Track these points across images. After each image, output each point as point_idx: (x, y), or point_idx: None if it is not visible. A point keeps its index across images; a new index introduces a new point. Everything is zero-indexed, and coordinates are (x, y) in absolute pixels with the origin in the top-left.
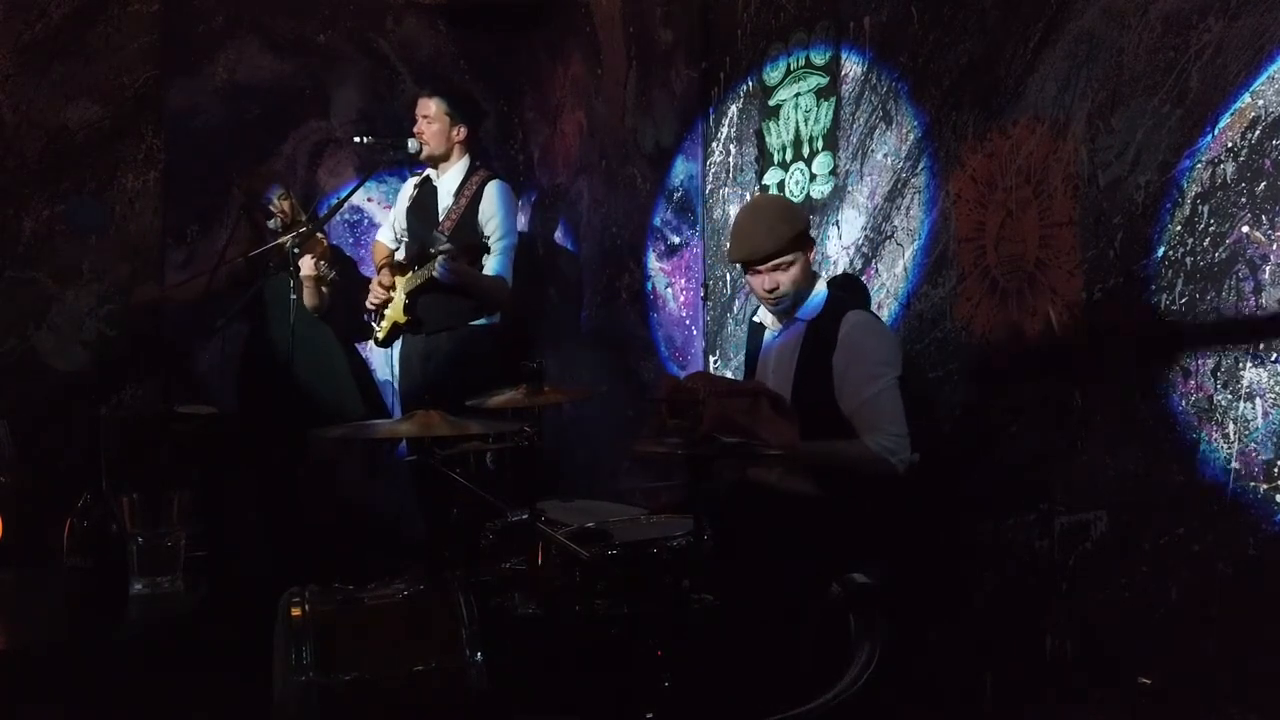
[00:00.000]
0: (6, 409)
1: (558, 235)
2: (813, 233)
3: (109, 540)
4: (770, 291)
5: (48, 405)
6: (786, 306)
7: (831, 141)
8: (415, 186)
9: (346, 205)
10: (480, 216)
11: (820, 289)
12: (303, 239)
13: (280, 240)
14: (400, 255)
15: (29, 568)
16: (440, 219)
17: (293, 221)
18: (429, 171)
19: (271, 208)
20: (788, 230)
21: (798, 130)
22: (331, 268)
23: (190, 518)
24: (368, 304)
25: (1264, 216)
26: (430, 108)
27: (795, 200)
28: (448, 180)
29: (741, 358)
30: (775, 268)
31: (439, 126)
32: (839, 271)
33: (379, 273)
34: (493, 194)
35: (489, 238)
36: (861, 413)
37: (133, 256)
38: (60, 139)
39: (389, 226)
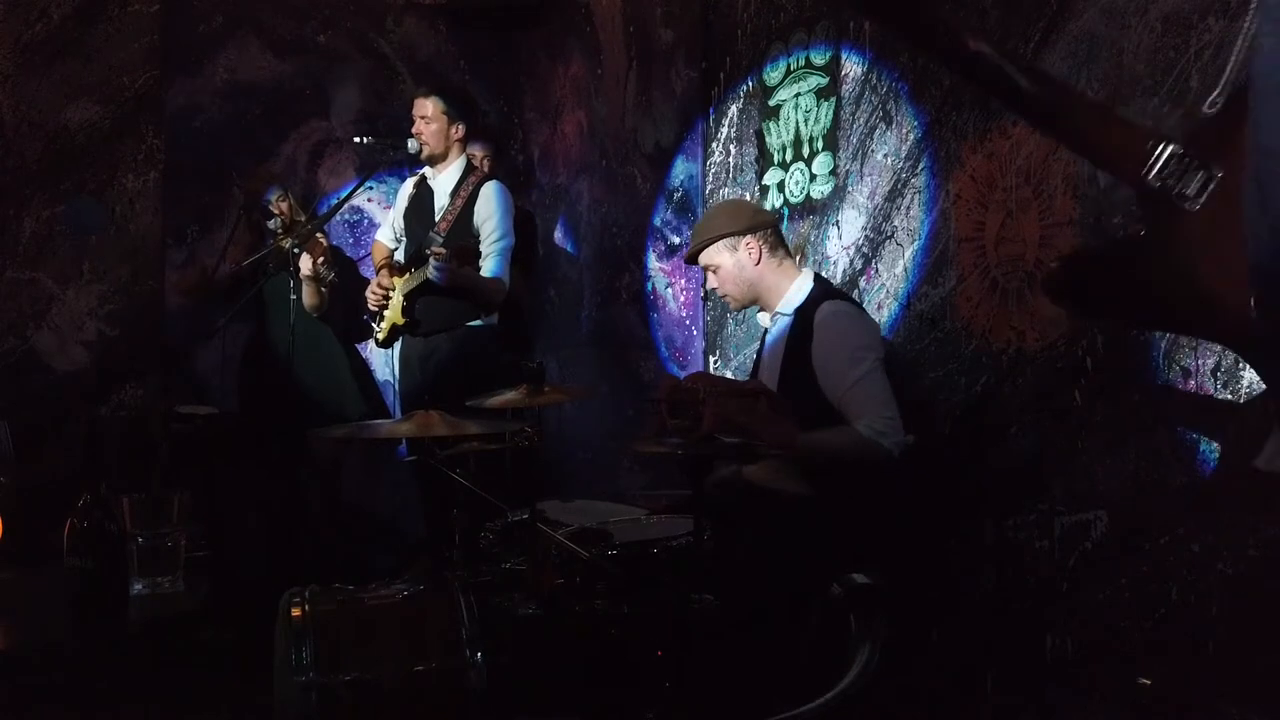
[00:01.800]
0: (6, 409)
1: (558, 235)
2: (812, 233)
3: (109, 540)
4: (713, 291)
5: (48, 405)
6: (736, 307)
7: (831, 141)
8: (413, 186)
9: (346, 205)
10: (476, 217)
11: (806, 284)
12: (303, 239)
13: (280, 241)
14: (399, 256)
15: (29, 568)
16: (436, 219)
17: (292, 222)
18: (425, 171)
19: (271, 208)
20: (707, 232)
21: (798, 130)
22: (332, 269)
23: (190, 518)
24: (368, 306)
25: None
26: (428, 108)
27: (794, 200)
28: (444, 180)
29: (741, 358)
30: (708, 268)
31: (437, 126)
32: (839, 271)
33: (378, 274)
34: (489, 194)
35: (485, 239)
36: (848, 399)
37: (133, 256)
38: (60, 139)
39: (389, 226)
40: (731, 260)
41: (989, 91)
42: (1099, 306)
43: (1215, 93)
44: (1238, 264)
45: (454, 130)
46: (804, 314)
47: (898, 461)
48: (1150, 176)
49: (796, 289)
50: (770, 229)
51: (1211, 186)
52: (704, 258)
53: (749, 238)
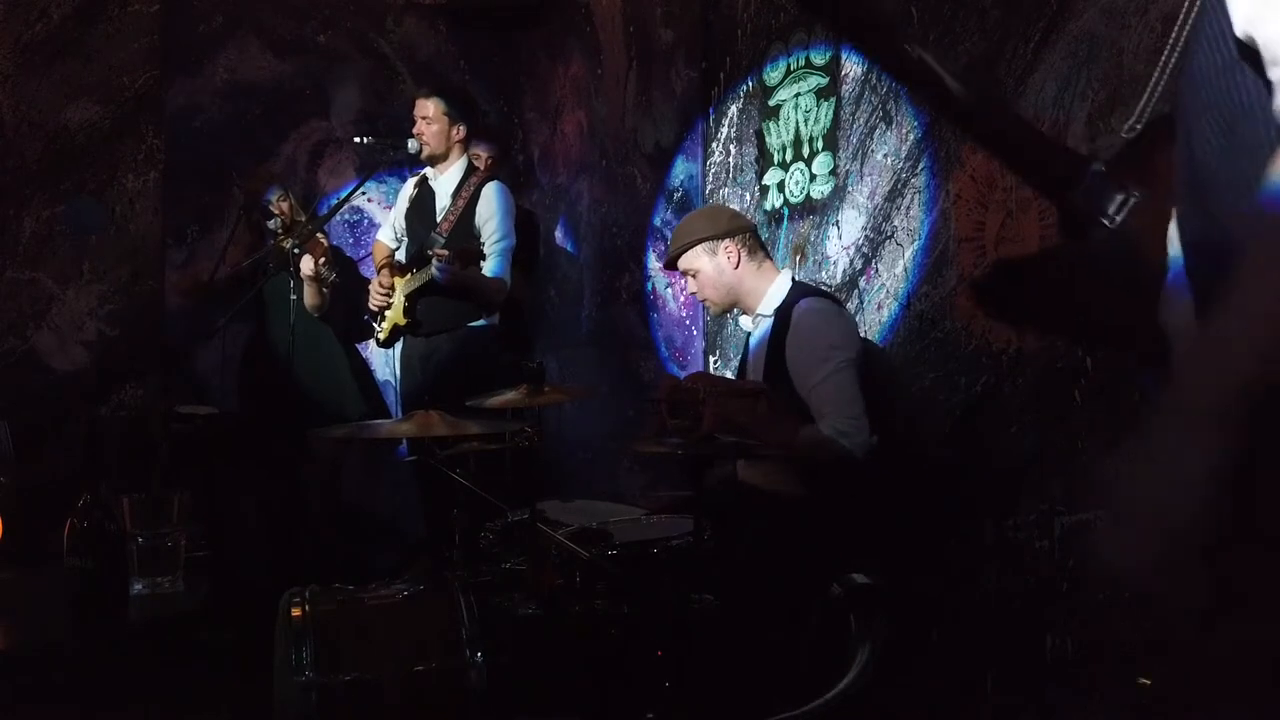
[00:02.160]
0: (6, 409)
1: (558, 235)
2: (812, 233)
3: (109, 540)
4: (693, 295)
5: (48, 405)
6: (716, 312)
7: (831, 141)
8: (415, 186)
9: (346, 205)
10: (478, 218)
11: (784, 284)
12: (303, 239)
13: (281, 241)
14: (400, 255)
15: (29, 568)
16: (438, 220)
17: (292, 222)
18: (427, 172)
19: (271, 208)
20: (685, 236)
21: (798, 130)
22: (333, 269)
23: (190, 518)
24: (370, 306)
25: None
26: (429, 108)
27: (795, 201)
28: (445, 181)
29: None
30: (687, 273)
31: (438, 127)
32: (839, 271)
33: (379, 274)
34: (490, 195)
35: (486, 239)
36: (813, 398)
37: (133, 256)
38: (60, 139)
39: (389, 226)
40: (711, 264)
41: (921, 96)
42: (1019, 315)
43: (1133, 119)
44: (1148, 282)
45: (455, 131)
46: (783, 313)
47: (862, 462)
48: (1076, 194)
49: (776, 290)
50: (748, 233)
51: (1129, 207)
52: (683, 262)
53: (727, 241)
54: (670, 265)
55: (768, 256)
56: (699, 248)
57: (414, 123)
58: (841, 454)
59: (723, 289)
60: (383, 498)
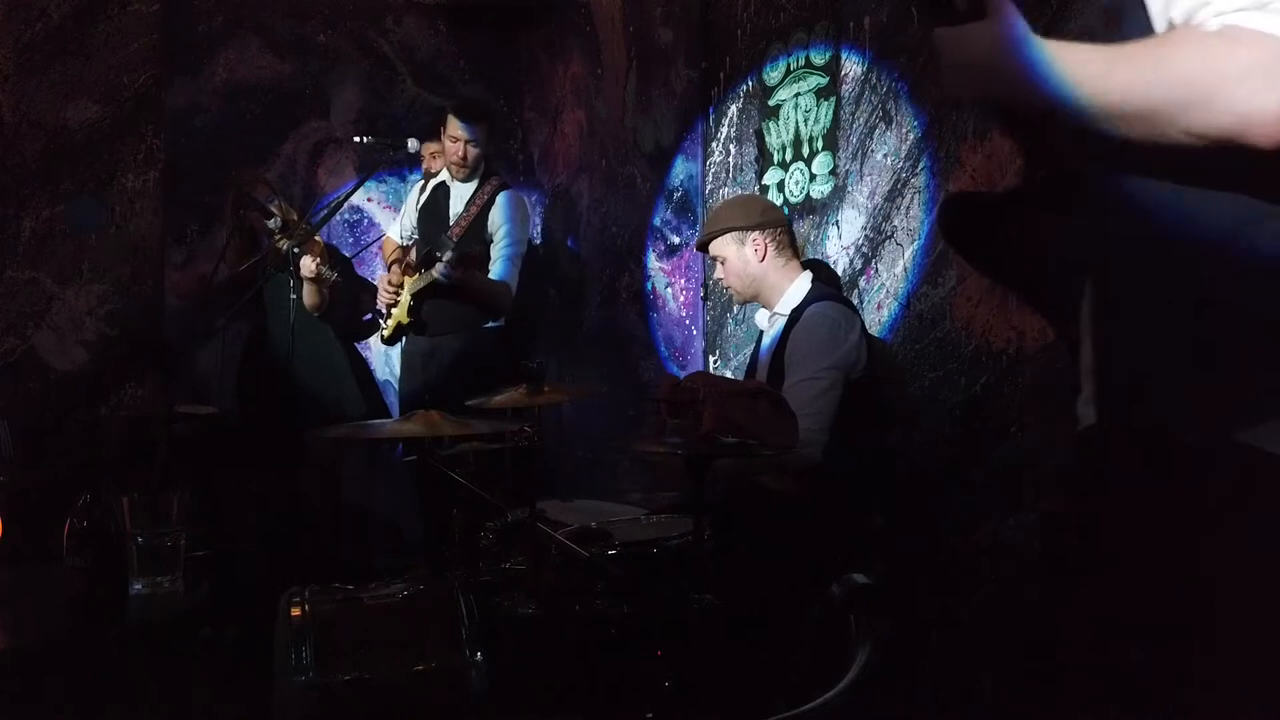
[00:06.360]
0: (6, 409)
1: (558, 234)
2: (812, 233)
3: (109, 540)
4: (718, 282)
5: (48, 405)
6: (740, 300)
7: (831, 141)
8: (429, 188)
9: (346, 205)
10: (489, 225)
11: (804, 285)
12: (301, 240)
13: (278, 242)
14: (411, 253)
15: (29, 568)
16: (451, 224)
17: (286, 222)
18: (444, 174)
19: (271, 207)
20: (717, 222)
21: (798, 130)
22: (334, 269)
23: (190, 518)
24: (377, 303)
25: None
26: (459, 131)
27: (793, 199)
28: (462, 186)
29: (741, 358)
30: (715, 259)
31: (463, 151)
32: (839, 271)
33: (389, 270)
34: (502, 203)
35: (496, 244)
36: (789, 396)
37: (133, 256)
38: (60, 139)
39: (399, 222)
40: (737, 254)
41: None
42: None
43: None
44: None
45: (475, 157)
46: (797, 314)
47: (793, 471)
48: None
49: (795, 290)
50: (780, 228)
51: None
52: (712, 248)
53: (756, 234)
54: (701, 248)
55: (795, 255)
56: (728, 236)
57: (416, 122)
58: (775, 459)
59: (746, 280)
60: (382, 498)
